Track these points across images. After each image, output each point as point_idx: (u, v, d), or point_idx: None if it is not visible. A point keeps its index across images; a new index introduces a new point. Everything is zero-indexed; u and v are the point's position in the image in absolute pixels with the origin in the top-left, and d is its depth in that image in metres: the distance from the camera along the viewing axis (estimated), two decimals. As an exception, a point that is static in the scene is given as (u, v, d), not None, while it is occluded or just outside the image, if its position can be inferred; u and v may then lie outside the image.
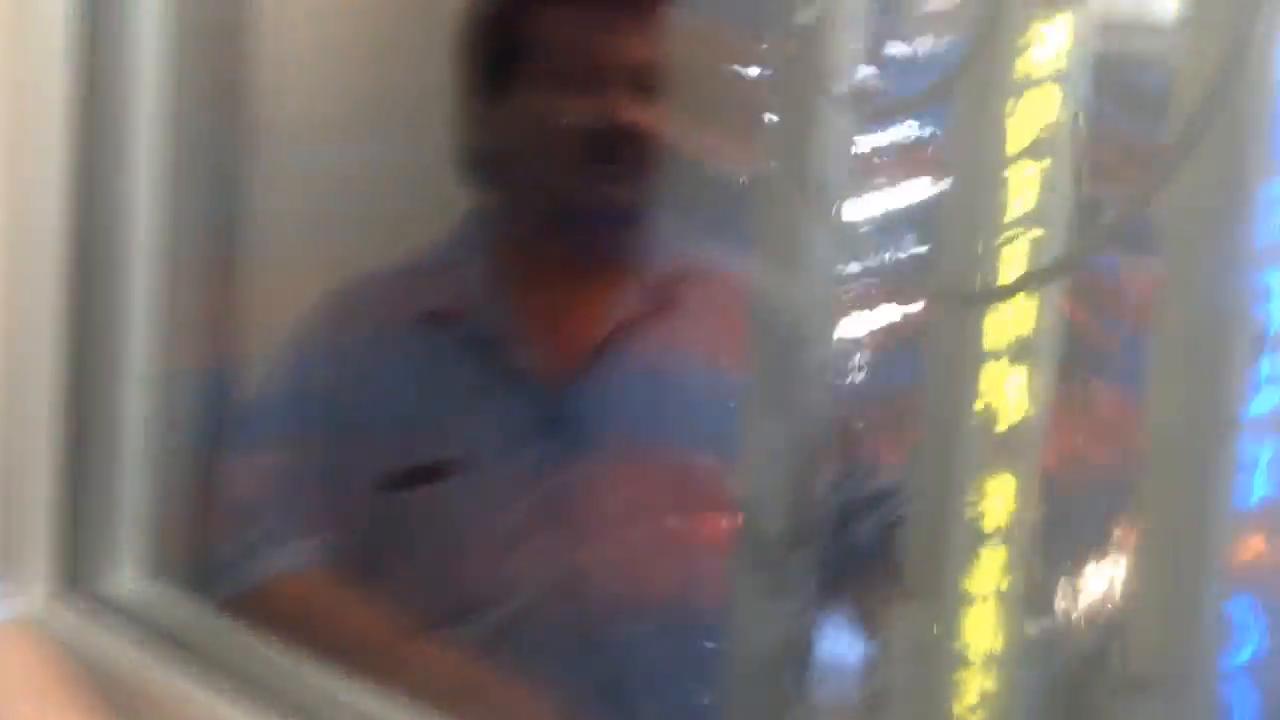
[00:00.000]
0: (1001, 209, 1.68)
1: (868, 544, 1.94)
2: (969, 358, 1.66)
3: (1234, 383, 1.39)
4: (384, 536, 2.21)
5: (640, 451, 2.18)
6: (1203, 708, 1.42)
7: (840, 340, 1.84)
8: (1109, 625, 1.63)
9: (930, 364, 1.69)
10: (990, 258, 1.67)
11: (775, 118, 1.68)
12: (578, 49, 2.18)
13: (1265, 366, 1.43)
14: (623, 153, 2.17)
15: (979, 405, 1.66)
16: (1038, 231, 1.74)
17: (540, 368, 2.23)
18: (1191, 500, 1.40)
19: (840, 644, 1.81)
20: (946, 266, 1.68)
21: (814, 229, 1.68)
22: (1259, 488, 1.46)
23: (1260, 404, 1.43)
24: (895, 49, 2.32)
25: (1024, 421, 1.68)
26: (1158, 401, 1.43)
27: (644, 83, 2.18)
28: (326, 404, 2.25)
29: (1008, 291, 1.68)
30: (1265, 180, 1.39)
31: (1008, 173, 1.70)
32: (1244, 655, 1.44)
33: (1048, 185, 1.73)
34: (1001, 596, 1.72)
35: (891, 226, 2.11)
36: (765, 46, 1.75)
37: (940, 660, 1.69)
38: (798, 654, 1.76)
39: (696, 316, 2.25)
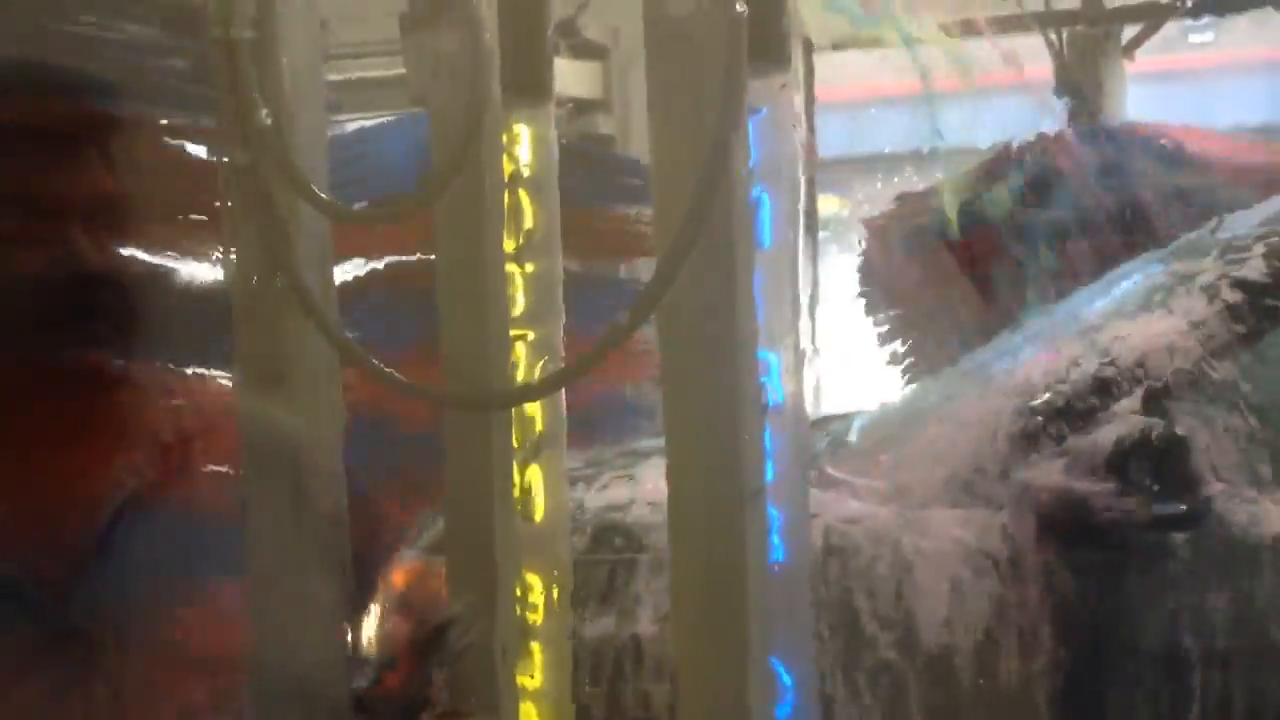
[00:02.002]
0: (505, 312, 1.73)
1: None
2: (497, 456, 1.69)
3: (751, 453, 1.47)
4: None
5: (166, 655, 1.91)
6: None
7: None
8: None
9: (453, 465, 1.70)
10: (500, 360, 1.71)
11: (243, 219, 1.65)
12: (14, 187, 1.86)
13: (768, 439, 1.51)
14: (93, 302, 1.85)
15: (514, 502, 1.69)
16: (536, 332, 1.80)
17: (30, 573, 1.82)
18: (724, 569, 1.48)
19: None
20: (457, 370, 1.70)
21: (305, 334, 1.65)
22: (777, 552, 1.53)
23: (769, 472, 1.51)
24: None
25: (551, 515, 1.73)
26: (677, 476, 1.50)
27: (104, 219, 1.86)
28: None
29: (523, 397, 1.72)
30: (754, 265, 1.49)
31: (505, 276, 1.75)
32: (783, 712, 1.51)
33: (539, 288, 1.79)
34: (550, 696, 1.76)
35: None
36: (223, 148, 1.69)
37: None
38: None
39: (217, 474, 1.93)
